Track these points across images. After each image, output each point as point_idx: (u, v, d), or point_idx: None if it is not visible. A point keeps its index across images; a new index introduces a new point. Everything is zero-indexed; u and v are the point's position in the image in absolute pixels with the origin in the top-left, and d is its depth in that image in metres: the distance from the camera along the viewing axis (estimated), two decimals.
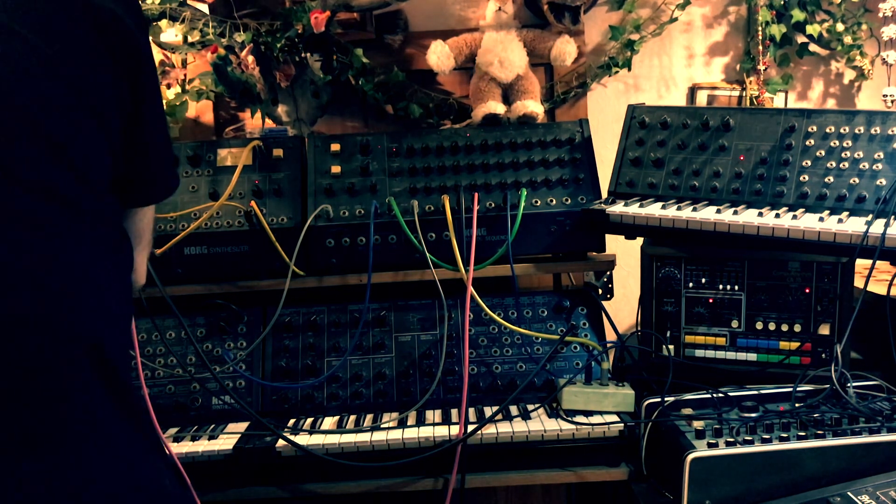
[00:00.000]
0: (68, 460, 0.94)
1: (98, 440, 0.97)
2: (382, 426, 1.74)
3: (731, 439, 1.53)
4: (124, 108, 1.08)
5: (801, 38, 2.55)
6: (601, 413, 1.74)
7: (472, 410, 1.81)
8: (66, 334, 0.95)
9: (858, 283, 1.80)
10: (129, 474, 1.01)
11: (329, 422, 1.79)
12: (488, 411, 1.79)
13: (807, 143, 1.83)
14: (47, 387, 0.93)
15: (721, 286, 1.86)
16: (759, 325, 1.83)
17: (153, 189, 1.24)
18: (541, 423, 1.71)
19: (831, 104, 2.63)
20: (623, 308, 2.53)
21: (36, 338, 0.92)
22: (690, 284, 1.88)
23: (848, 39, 2.47)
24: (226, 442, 1.71)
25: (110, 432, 0.99)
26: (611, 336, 1.95)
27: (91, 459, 0.96)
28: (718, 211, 1.77)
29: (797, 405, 1.67)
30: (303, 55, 2.27)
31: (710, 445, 1.52)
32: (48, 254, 0.95)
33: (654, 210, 1.82)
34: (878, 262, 1.63)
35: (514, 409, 1.79)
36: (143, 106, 1.11)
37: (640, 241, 1.93)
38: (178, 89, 2.40)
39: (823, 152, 1.81)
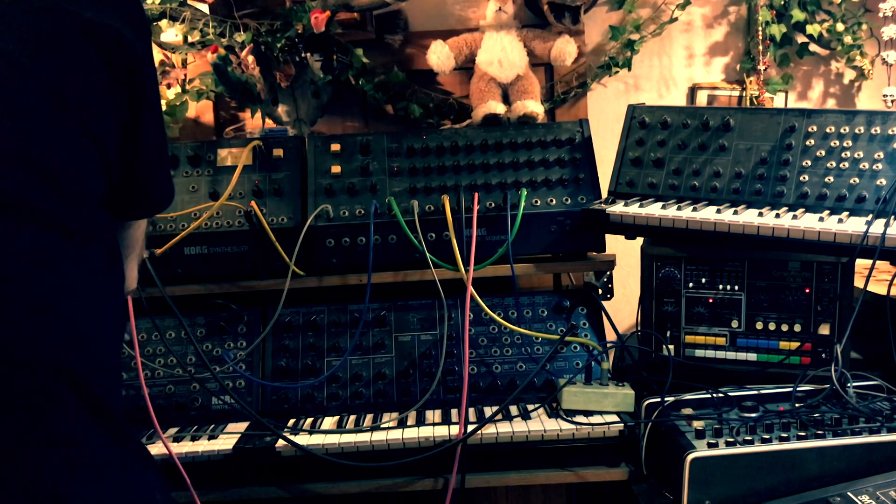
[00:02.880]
0: (54, 485, 0.93)
1: (83, 462, 0.96)
2: (382, 426, 1.74)
3: (731, 439, 1.52)
4: (120, 124, 1.06)
5: (801, 38, 2.55)
6: (601, 413, 1.74)
7: (472, 410, 1.81)
8: (40, 360, 0.92)
9: (858, 283, 1.80)
10: (118, 493, 1.00)
11: (329, 422, 1.79)
12: (488, 411, 1.79)
13: (807, 143, 1.83)
14: (26, 412, 0.92)
15: (721, 286, 1.86)
16: (759, 325, 1.83)
17: (148, 203, 1.21)
18: (541, 423, 1.71)
19: (831, 104, 2.63)
20: (623, 308, 2.53)
21: (10, 362, 0.91)
22: (690, 284, 1.88)
23: (848, 39, 2.47)
24: (226, 442, 1.71)
25: (95, 454, 0.97)
26: (611, 336, 1.95)
27: (78, 482, 0.95)
28: (718, 211, 1.77)
29: (797, 405, 1.67)
30: (303, 55, 2.27)
31: (710, 445, 1.52)
32: (22, 277, 0.92)
33: (654, 210, 1.82)
34: (878, 262, 1.63)
35: (514, 409, 1.79)
36: (142, 121, 1.09)
37: (640, 241, 1.93)
38: (178, 89, 2.40)
39: (823, 152, 1.81)
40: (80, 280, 1.00)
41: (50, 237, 0.96)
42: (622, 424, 1.69)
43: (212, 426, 1.80)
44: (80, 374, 0.96)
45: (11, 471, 0.91)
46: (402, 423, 1.75)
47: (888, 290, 1.75)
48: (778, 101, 2.57)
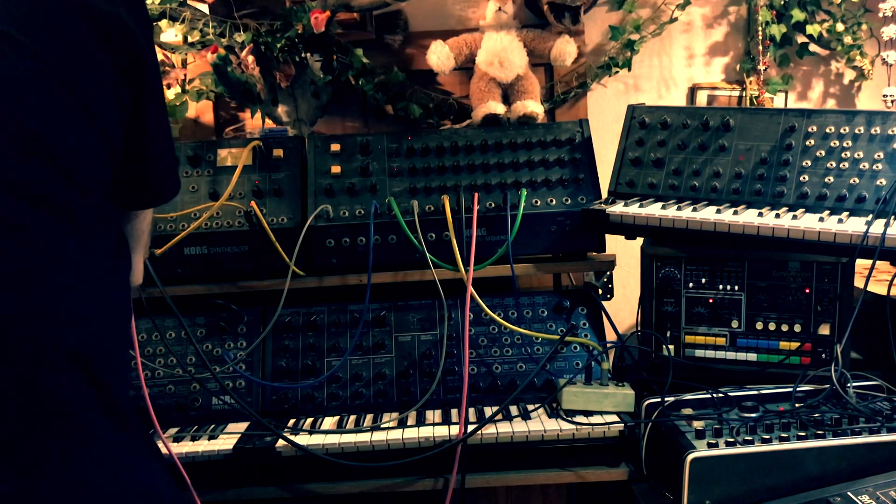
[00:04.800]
0: (60, 469, 0.93)
1: (89, 448, 0.96)
2: (382, 426, 1.74)
3: (731, 439, 1.53)
4: (125, 113, 1.07)
5: (801, 38, 2.55)
6: (601, 413, 1.74)
7: (472, 410, 1.81)
8: (51, 344, 0.93)
9: (858, 283, 1.80)
10: (124, 480, 1.00)
11: (329, 422, 1.79)
12: (488, 411, 1.79)
13: (807, 143, 1.83)
14: (34, 397, 0.92)
15: (721, 286, 1.86)
16: (759, 325, 1.83)
17: (154, 193, 1.23)
18: (541, 423, 1.71)
19: (831, 104, 2.63)
20: (623, 308, 2.53)
21: (19, 347, 0.91)
22: (690, 284, 1.88)
23: (848, 39, 2.47)
24: (226, 442, 1.71)
25: (102, 440, 0.98)
26: (611, 336, 1.95)
27: (84, 467, 0.95)
28: (718, 211, 1.77)
29: (797, 405, 1.67)
30: (303, 55, 2.27)
31: (710, 445, 1.52)
32: (34, 262, 0.93)
33: (654, 210, 1.82)
34: (878, 262, 1.63)
35: (514, 409, 1.79)
36: (146, 110, 1.10)
37: (640, 241, 1.93)
38: (178, 89, 2.40)
39: (823, 152, 1.81)
40: (90, 268, 1.01)
41: (59, 225, 0.96)
42: (622, 424, 1.69)
43: (212, 426, 1.80)
44: (88, 360, 0.97)
45: (17, 450, 0.91)
46: (402, 424, 1.75)
47: (888, 290, 1.75)
48: (778, 102, 2.57)
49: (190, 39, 2.30)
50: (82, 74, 1.00)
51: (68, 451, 0.94)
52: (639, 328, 1.96)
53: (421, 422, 1.76)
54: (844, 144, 1.80)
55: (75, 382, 0.95)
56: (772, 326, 1.82)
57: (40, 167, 0.95)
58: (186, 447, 1.69)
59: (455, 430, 1.69)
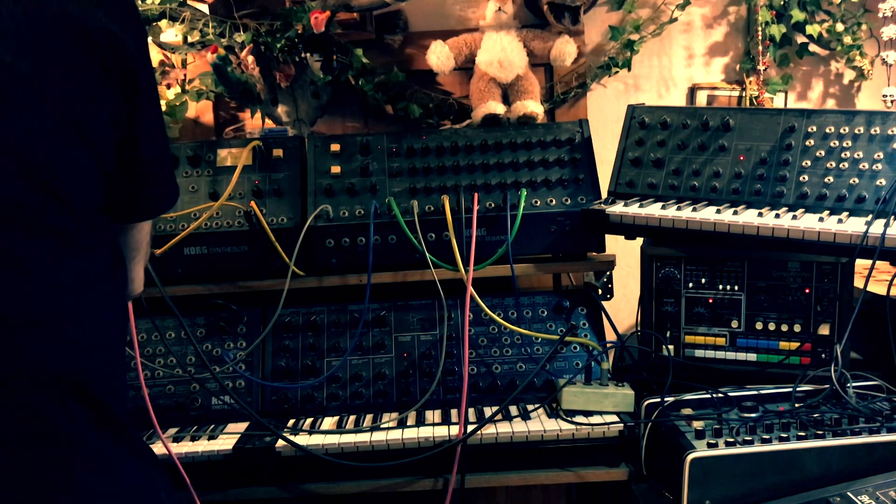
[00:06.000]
0: (59, 487, 0.93)
1: (86, 464, 0.96)
2: (382, 426, 1.74)
3: (731, 439, 1.53)
4: (118, 128, 1.05)
5: (800, 38, 2.55)
6: (601, 413, 1.74)
7: (471, 410, 1.82)
8: (45, 367, 0.93)
9: (858, 283, 1.80)
10: (122, 493, 1.00)
11: (329, 422, 1.80)
12: (488, 411, 1.79)
13: (807, 143, 1.83)
14: (30, 421, 0.92)
15: (721, 286, 1.86)
16: (759, 325, 1.83)
17: (150, 205, 1.21)
18: (541, 424, 1.71)
19: (831, 104, 2.63)
20: (623, 308, 2.53)
21: (13, 371, 0.91)
22: (690, 284, 1.88)
23: (848, 39, 2.47)
24: (226, 442, 1.71)
25: (101, 459, 0.97)
26: (611, 336, 1.95)
27: (81, 484, 0.95)
28: (718, 211, 1.77)
29: (797, 405, 1.67)
30: (303, 55, 2.27)
31: (710, 445, 1.52)
32: (25, 285, 0.93)
33: (654, 210, 1.82)
34: (878, 262, 1.63)
35: (513, 410, 1.79)
36: (139, 123, 1.08)
37: (640, 241, 1.93)
38: (178, 89, 2.40)
39: (823, 152, 1.81)
40: (84, 287, 1.00)
41: (53, 247, 0.96)
42: (622, 424, 1.69)
43: (212, 426, 1.80)
44: (84, 379, 0.96)
45: (17, 472, 0.91)
46: (401, 424, 1.75)
47: (888, 290, 1.75)
48: (778, 102, 2.57)
49: (190, 39, 2.29)
50: (72, 92, 0.98)
51: (68, 474, 0.94)
52: (639, 328, 1.96)
53: (421, 422, 1.76)
54: (844, 144, 1.80)
55: (70, 403, 0.95)
56: (772, 326, 1.82)
57: (29, 188, 0.93)
58: (186, 447, 1.69)
59: (455, 430, 1.69)
